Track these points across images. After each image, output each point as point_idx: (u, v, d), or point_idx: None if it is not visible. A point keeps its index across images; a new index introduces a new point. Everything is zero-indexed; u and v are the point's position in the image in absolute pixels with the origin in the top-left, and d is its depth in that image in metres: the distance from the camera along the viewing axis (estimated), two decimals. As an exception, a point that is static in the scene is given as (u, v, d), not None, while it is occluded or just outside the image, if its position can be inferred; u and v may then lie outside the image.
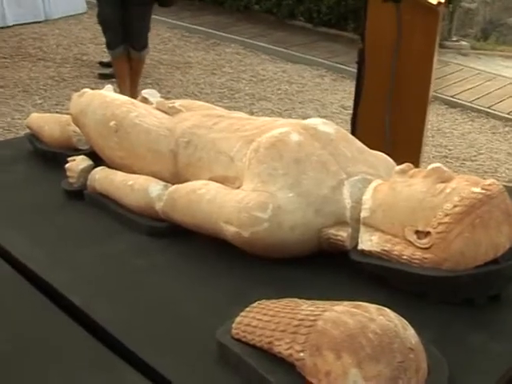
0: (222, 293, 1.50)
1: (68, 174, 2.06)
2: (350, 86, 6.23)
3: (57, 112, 4.69)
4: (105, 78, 6.31)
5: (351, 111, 3.62)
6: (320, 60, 7.21)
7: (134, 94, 5.55)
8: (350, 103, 5.80)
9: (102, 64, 6.86)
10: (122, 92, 5.77)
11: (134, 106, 2.02)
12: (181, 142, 1.81)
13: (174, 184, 1.78)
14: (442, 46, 6.83)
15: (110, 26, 5.53)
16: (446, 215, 1.39)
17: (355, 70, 3.53)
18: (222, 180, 1.67)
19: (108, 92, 2.20)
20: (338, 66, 7.03)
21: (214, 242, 1.64)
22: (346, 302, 1.18)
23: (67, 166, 2.08)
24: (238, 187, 1.63)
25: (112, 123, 1.96)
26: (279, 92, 6.32)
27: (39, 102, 5.88)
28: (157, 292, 1.52)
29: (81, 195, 2.01)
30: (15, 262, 1.67)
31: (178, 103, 2.06)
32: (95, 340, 1.34)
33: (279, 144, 1.61)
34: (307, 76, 6.81)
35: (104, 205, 1.93)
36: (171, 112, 1.98)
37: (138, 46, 5.61)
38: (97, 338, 1.35)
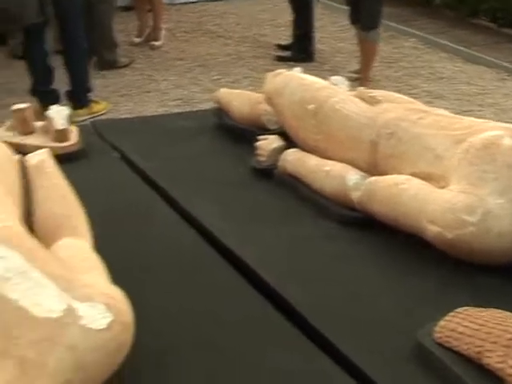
0: (414, 293, 1.45)
1: (259, 152, 2.07)
2: (534, 93, 5.99)
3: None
4: (282, 60, 6.35)
5: (537, 119, 3.45)
6: (503, 63, 6.93)
7: (364, 79, 5.66)
8: (535, 111, 5.60)
9: (280, 47, 6.91)
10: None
11: (334, 90, 1.99)
12: (383, 132, 1.76)
13: (368, 174, 1.74)
14: None
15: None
16: None
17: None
18: (426, 177, 1.62)
19: (304, 75, 2.18)
20: (522, 70, 6.74)
21: (409, 239, 1.59)
22: None
23: (259, 144, 2.08)
24: (443, 187, 1.57)
25: (311, 106, 1.94)
26: (457, 92, 6.13)
27: (216, 77, 6.00)
28: (347, 282, 1.49)
29: (270, 174, 2.01)
30: (206, 233, 1.69)
31: (375, 93, 2.02)
32: (287, 321, 1.33)
33: (492, 147, 1.53)
34: (487, 78, 6.57)
35: (294, 187, 1.92)
36: (371, 101, 1.94)
37: (363, 25, 5.83)
38: (288, 319, 1.34)
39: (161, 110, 5.14)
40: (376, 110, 1.86)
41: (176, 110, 4.91)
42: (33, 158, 1.58)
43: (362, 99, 1.96)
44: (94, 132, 2.72)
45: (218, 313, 1.37)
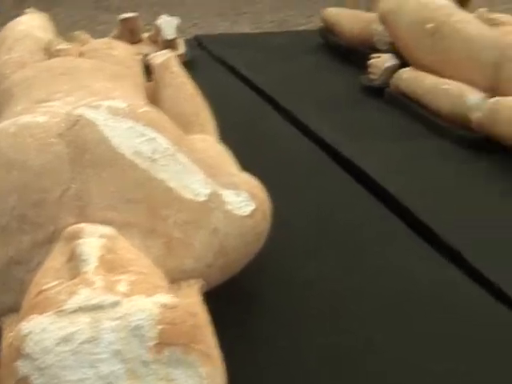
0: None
1: (371, 70, 2.06)
2: None
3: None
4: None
5: None
6: None
7: None
8: None
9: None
10: None
11: (454, 10, 1.94)
12: (509, 54, 1.73)
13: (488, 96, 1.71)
14: None
15: None
16: None
17: None
18: None
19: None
20: None
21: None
22: None
23: (372, 62, 2.07)
24: None
25: (429, 26, 1.91)
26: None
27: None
28: (468, 197, 1.47)
29: (380, 93, 2.00)
30: (322, 143, 1.70)
31: (495, 15, 1.97)
32: (410, 229, 1.33)
33: None
34: None
35: (405, 105, 1.91)
36: (491, 23, 1.89)
37: None
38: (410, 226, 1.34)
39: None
40: (498, 32, 1.82)
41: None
42: (158, 58, 1.60)
43: (482, 20, 1.92)
44: (198, 45, 2.74)
45: (335, 218, 1.38)
